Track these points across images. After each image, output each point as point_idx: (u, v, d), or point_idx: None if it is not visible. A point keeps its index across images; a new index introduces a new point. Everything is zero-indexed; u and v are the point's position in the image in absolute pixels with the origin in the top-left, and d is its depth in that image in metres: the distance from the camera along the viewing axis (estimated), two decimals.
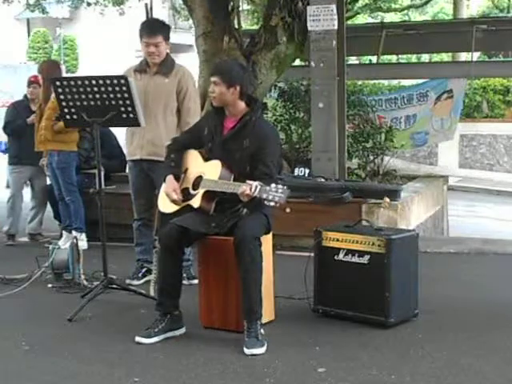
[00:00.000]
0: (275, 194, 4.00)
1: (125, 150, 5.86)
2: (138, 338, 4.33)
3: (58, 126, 6.63)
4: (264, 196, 4.02)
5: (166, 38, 5.53)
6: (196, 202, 4.43)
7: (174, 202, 4.55)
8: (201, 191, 4.42)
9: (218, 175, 4.36)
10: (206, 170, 4.48)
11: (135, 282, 5.67)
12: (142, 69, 5.62)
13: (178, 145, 4.76)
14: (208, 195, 4.39)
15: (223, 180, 4.32)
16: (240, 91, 4.45)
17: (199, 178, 4.49)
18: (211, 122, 4.61)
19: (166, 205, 4.63)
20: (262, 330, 4.22)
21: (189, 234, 4.35)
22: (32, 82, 7.49)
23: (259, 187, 4.04)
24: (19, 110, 7.64)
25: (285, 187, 4.04)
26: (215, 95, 4.47)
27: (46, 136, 6.80)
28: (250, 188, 4.08)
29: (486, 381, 3.76)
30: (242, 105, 4.50)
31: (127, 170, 5.95)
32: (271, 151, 4.43)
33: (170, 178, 4.60)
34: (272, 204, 4.02)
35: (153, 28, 5.54)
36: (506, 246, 7.10)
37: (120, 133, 7.41)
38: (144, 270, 5.77)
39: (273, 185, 4.04)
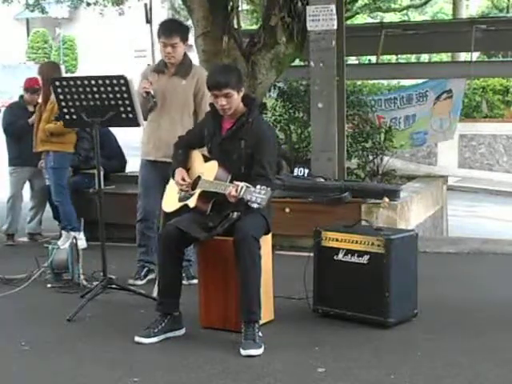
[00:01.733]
0: (258, 195, 3.99)
1: (141, 149, 5.78)
2: (137, 338, 4.33)
3: (52, 128, 6.65)
4: (248, 197, 4.01)
5: (184, 39, 5.51)
6: (192, 202, 4.44)
7: (181, 189, 4.53)
8: (197, 191, 4.43)
9: (214, 175, 4.37)
10: (204, 170, 4.50)
11: (138, 282, 5.67)
12: (160, 69, 5.60)
13: (183, 142, 4.79)
14: (204, 195, 4.40)
15: (218, 180, 4.32)
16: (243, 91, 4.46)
17: (198, 178, 4.51)
18: (210, 123, 4.60)
19: (167, 204, 4.66)
20: (259, 333, 4.21)
21: (187, 235, 4.35)
22: (28, 89, 7.51)
23: (244, 188, 4.04)
24: (16, 111, 7.65)
25: (268, 188, 4.02)
26: (230, 106, 4.40)
27: (41, 137, 6.84)
28: (235, 189, 4.08)
29: (486, 381, 3.75)
30: (240, 105, 4.49)
31: (138, 168, 5.88)
32: (268, 152, 4.41)
33: (179, 169, 4.62)
34: (255, 206, 4.00)
35: (170, 28, 5.51)
36: (505, 246, 7.10)
37: (119, 133, 7.44)
38: (145, 269, 5.77)
39: (258, 186, 4.02)
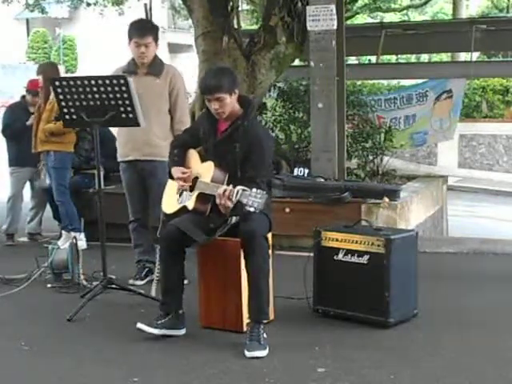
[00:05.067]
0: (254, 199, 3.97)
1: (118, 151, 5.81)
2: (139, 325, 4.33)
3: (52, 128, 6.66)
4: (244, 201, 3.99)
5: (156, 39, 5.53)
6: (191, 204, 4.44)
7: (182, 182, 4.51)
8: (195, 193, 4.43)
9: (211, 176, 4.35)
10: (201, 171, 4.49)
11: (138, 283, 5.68)
12: (130, 70, 5.55)
13: (180, 142, 4.78)
14: (202, 197, 4.38)
15: (214, 182, 4.31)
16: (237, 93, 4.44)
17: (195, 180, 4.49)
18: (205, 124, 4.57)
19: (167, 205, 4.65)
20: (264, 334, 4.20)
21: (187, 235, 4.34)
22: (30, 91, 7.51)
23: (240, 191, 4.02)
24: (17, 112, 7.65)
25: (264, 192, 4.01)
26: (223, 110, 4.36)
27: (40, 137, 6.84)
28: (229, 192, 4.06)
29: (486, 381, 3.76)
30: (236, 106, 4.45)
31: (120, 172, 5.92)
32: (262, 155, 4.37)
33: (175, 167, 4.60)
34: (251, 210, 3.99)
35: (143, 28, 5.52)
36: (505, 245, 7.09)
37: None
38: (146, 269, 5.78)
39: (254, 189, 4.00)
